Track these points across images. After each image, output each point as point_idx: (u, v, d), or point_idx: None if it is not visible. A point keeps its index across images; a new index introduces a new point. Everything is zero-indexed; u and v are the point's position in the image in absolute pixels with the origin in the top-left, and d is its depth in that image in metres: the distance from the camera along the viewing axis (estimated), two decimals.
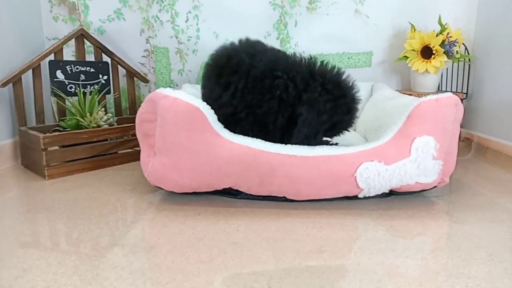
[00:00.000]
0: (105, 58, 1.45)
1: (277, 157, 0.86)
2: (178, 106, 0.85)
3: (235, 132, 0.90)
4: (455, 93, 1.50)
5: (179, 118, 0.85)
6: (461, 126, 0.95)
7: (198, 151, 0.86)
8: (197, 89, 1.18)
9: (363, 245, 0.72)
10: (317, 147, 0.90)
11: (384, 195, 0.94)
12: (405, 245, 0.72)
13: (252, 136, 0.90)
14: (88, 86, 1.38)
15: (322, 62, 0.95)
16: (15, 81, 1.23)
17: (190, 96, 0.87)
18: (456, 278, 0.61)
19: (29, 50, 1.38)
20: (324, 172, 0.86)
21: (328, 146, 0.92)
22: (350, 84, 0.94)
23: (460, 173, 1.19)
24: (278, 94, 0.88)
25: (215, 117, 0.89)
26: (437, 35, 1.43)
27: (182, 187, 0.91)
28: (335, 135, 0.98)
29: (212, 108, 0.88)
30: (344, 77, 0.93)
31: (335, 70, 0.93)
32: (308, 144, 0.88)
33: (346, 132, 0.98)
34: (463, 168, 1.25)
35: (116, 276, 0.61)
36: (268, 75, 0.89)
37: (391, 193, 0.93)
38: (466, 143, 1.53)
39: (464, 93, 1.53)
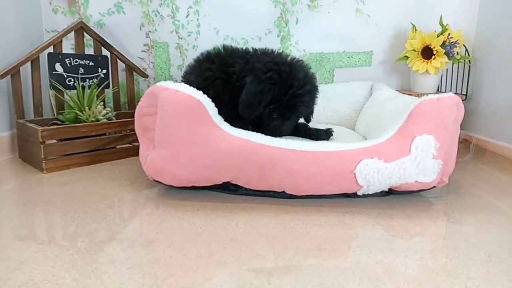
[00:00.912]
0: (105, 52, 1.44)
1: (277, 151, 0.86)
2: (179, 98, 0.85)
3: (216, 105, 0.92)
4: (455, 94, 1.50)
5: (179, 110, 0.85)
6: (460, 128, 0.95)
7: (198, 143, 0.86)
8: None
9: (362, 244, 0.72)
10: (317, 142, 0.90)
11: (383, 194, 0.94)
12: (404, 245, 0.72)
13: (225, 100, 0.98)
14: (87, 80, 1.37)
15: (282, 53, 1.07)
16: (14, 73, 1.22)
17: (191, 88, 0.87)
18: (456, 278, 0.61)
19: (28, 42, 1.37)
20: (323, 167, 0.85)
21: (328, 142, 0.92)
22: (303, 68, 1.03)
23: (458, 174, 1.19)
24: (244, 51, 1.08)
25: (216, 110, 0.89)
26: (438, 36, 1.43)
27: (181, 180, 0.90)
28: (290, 115, 1.01)
29: (194, 85, 0.91)
30: (297, 61, 1.04)
31: (294, 59, 1.04)
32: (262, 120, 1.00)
33: (299, 114, 1.04)
34: (461, 170, 1.25)
35: (115, 270, 0.60)
36: (240, 49, 1.11)
37: (390, 192, 0.93)
38: (464, 144, 1.54)
39: (464, 95, 1.54)
